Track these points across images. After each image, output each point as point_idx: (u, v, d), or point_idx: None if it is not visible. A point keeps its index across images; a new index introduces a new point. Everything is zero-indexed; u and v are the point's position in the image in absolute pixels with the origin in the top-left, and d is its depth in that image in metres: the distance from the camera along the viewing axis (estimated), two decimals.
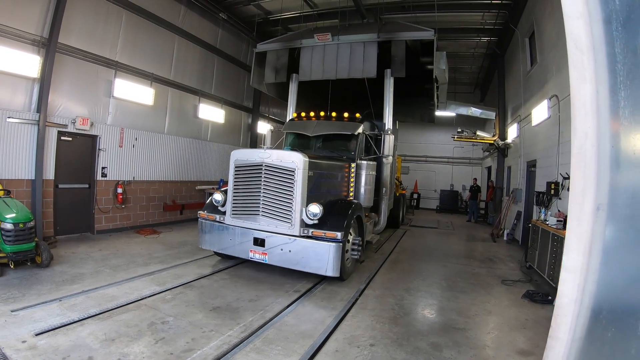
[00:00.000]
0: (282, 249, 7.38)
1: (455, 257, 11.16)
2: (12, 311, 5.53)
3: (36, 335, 4.91)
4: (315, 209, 7.15)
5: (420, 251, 11.82)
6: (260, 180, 7.59)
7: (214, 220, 8.23)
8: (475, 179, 22.17)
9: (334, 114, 10.34)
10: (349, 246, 7.72)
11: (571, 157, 1.95)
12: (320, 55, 10.98)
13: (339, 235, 7.08)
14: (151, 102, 12.49)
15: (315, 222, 7.22)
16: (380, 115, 10.92)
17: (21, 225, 7.03)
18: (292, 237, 7.31)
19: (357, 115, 10.15)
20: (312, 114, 10.65)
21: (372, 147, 10.41)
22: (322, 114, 10.46)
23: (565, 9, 1.85)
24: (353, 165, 9.33)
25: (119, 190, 11.52)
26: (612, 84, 1.72)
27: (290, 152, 7.93)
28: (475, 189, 20.84)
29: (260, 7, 15.06)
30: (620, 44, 1.67)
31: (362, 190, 9.36)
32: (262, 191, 7.59)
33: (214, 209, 8.37)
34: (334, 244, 7.06)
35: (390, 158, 10.53)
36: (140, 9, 11.74)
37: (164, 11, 12.61)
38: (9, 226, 6.90)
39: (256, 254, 7.61)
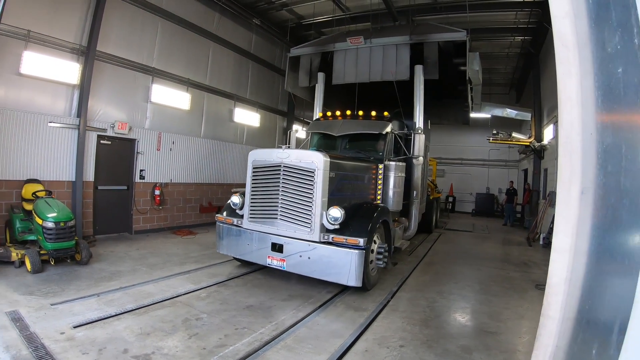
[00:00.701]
0: (300, 256, 6.86)
1: (490, 261, 10.86)
2: (51, 305, 5.70)
3: (74, 327, 5.05)
4: (336, 212, 6.59)
5: (454, 254, 11.57)
6: (279, 181, 7.16)
7: (232, 224, 7.87)
8: (512, 182, 21.61)
9: (360, 112, 9.82)
10: (373, 254, 7.13)
11: (558, 146, 2.08)
12: (353, 59, 10.92)
13: (361, 241, 6.45)
14: (187, 106, 12.77)
15: (337, 227, 6.63)
16: (410, 115, 10.28)
17: (62, 224, 7.25)
18: (312, 243, 6.77)
19: (386, 113, 9.63)
20: (337, 113, 10.20)
21: (402, 148, 9.60)
22: (348, 112, 10.00)
23: (552, 9, 1.99)
24: (381, 166, 8.80)
25: (157, 192, 11.81)
26: (595, 78, 1.87)
27: (310, 151, 7.43)
28: (511, 192, 20.25)
29: (292, 12, 15.20)
30: (601, 41, 1.85)
31: (391, 193, 8.81)
32: (280, 193, 7.15)
33: (231, 212, 8.04)
34: (356, 251, 6.45)
35: (421, 159, 9.65)
36: (175, 17, 12.03)
37: (198, 18, 12.88)
38: (50, 225, 7.13)
39: (274, 260, 7.16)
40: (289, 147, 7.39)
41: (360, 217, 7.06)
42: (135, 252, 9.29)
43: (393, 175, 8.85)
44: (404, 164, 9.35)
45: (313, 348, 4.95)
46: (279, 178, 7.14)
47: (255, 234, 7.42)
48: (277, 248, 7.10)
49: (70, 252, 7.52)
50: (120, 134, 10.76)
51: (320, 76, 11.87)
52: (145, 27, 11.28)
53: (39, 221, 7.16)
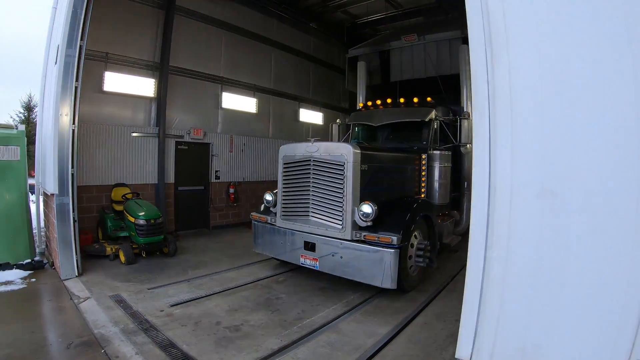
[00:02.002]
0: (333, 255, 6.38)
1: None
2: (148, 289, 6.44)
3: (171, 306, 5.73)
4: (367, 208, 5.99)
5: None
6: (309, 176, 6.71)
7: (266, 222, 7.61)
8: None
9: (401, 99, 8.97)
10: (412, 252, 6.44)
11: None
12: (409, 56, 10.99)
13: (394, 239, 5.81)
14: (255, 110, 13.46)
15: (369, 223, 6.04)
16: (457, 101, 9.40)
17: (152, 221, 8.04)
18: (344, 242, 6.25)
19: (429, 99, 8.65)
20: (378, 102, 9.42)
21: (449, 135, 8.57)
22: (388, 101, 9.20)
23: None
24: (424, 156, 7.98)
25: (231, 190, 12.55)
26: None
27: (339, 143, 7.03)
28: None
29: (347, 13, 15.48)
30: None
31: (436, 185, 8.00)
32: (311, 189, 6.70)
33: (266, 210, 7.79)
34: (389, 250, 5.83)
35: (470, 146, 8.33)
36: (237, 28, 12.68)
37: (258, 27, 13.45)
38: (142, 222, 7.92)
39: (307, 260, 6.75)
40: (318, 139, 6.84)
41: (395, 212, 6.39)
42: (215, 244, 10.00)
43: (438, 165, 8.04)
44: (450, 153, 8.40)
45: (379, 320, 5.39)
46: (309, 173, 6.72)
47: (289, 232, 7.09)
48: (310, 247, 6.71)
49: (159, 246, 8.33)
50: (196, 139, 11.57)
51: (361, 65, 11.62)
52: (210, 40, 12.01)
53: (132, 219, 7.99)
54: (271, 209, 7.57)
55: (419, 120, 8.35)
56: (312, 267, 6.66)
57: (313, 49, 16.35)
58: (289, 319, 5.38)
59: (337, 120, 10.23)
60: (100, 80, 9.41)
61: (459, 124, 8.37)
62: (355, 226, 6.14)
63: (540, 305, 2.18)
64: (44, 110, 8.97)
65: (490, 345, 2.12)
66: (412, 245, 6.37)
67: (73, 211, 7.02)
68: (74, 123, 7.05)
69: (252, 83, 13.41)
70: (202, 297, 6.16)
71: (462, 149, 8.72)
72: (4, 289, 6.40)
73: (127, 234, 8.35)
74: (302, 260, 6.81)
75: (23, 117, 40.57)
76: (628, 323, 1.89)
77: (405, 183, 7.62)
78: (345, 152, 6.26)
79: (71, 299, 6.02)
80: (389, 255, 5.81)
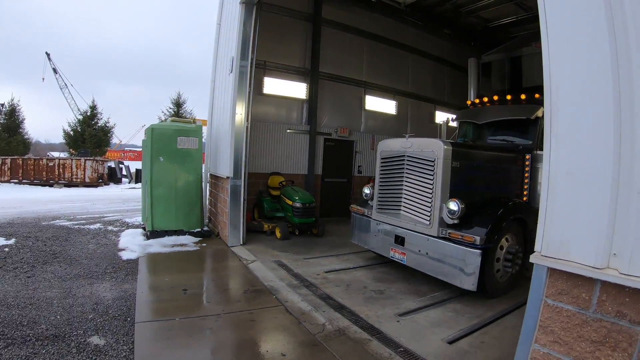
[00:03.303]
0: (419, 250, 6.31)
1: None
2: (304, 259, 7.71)
3: (326, 272, 6.85)
4: (454, 205, 5.80)
5: None
6: (403, 172, 6.74)
7: (363, 215, 7.74)
8: None
9: (508, 96, 8.58)
10: (500, 255, 6.07)
11: None
12: (540, 62, 10.95)
13: (477, 239, 5.53)
14: (394, 112, 14.36)
15: (456, 221, 5.85)
16: None
17: (307, 204, 9.35)
18: (430, 238, 6.15)
19: (537, 95, 7.98)
20: (485, 99, 9.10)
21: None
22: (495, 97, 8.92)
23: None
24: (528, 157, 7.43)
25: (371, 184, 13.46)
26: None
27: (431, 139, 6.64)
28: None
29: (478, 17, 15.61)
30: None
31: (539, 188, 6.73)
32: (404, 184, 6.71)
33: (364, 202, 7.91)
34: (472, 250, 5.58)
35: None
36: (376, 36, 13.60)
37: (396, 34, 14.21)
38: (298, 205, 9.24)
39: (396, 254, 6.75)
40: (412, 135, 6.83)
41: (484, 212, 6.03)
42: None
43: (542, 167, 7.21)
44: None
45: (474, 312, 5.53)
46: (403, 168, 6.75)
47: (382, 225, 7.16)
48: (400, 241, 6.70)
49: (310, 226, 9.58)
50: (342, 136, 12.84)
51: (472, 61, 11.69)
52: (353, 48, 13.13)
53: (289, 202, 9.34)
54: (369, 202, 7.67)
55: (524, 118, 7.81)
56: (400, 261, 6.69)
57: (447, 53, 16.64)
58: (422, 290, 6.17)
59: (447, 118, 10.19)
60: (260, 84, 10.99)
61: None
62: (443, 223, 6.00)
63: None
64: (213, 110, 10.77)
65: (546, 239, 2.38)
66: (501, 249, 6.06)
67: (244, 191, 8.56)
68: (247, 121, 8.62)
69: (392, 86, 14.25)
70: (350, 268, 7.21)
71: None
72: (182, 249, 8.19)
73: (283, 215, 9.77)
74: (391, 253, 6.85)
75: (173, 112, 45.33)
76: None
77: (505, 184, 7.18)
78: (435, 148, 6.20)
79: (240, 260, 7.46)
80: (470, 256, 5.58)
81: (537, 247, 2.23)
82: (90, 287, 5.84)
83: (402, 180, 6.73)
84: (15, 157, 27.32)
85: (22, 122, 44.60)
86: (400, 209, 6.75)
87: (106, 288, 5.80)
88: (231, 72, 8.70)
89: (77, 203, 16.68)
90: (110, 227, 10.59)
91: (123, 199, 19.41)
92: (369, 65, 13.54)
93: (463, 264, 5.63)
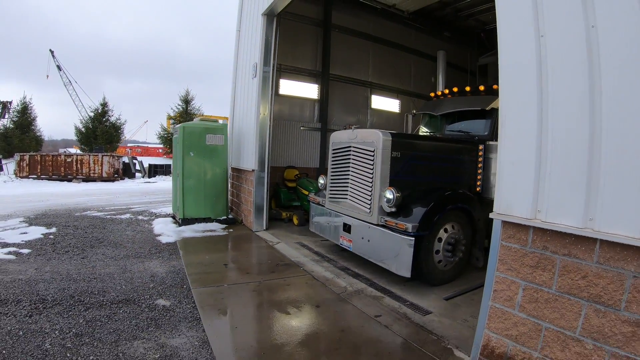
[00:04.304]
0: (362, 237, 6.49)
1: None
2: (321, 240, 8.67)
3: (340, 250, 7.85)
4: (389, 194, 5.93)
5: None
6: (349, 162, 6.91)
7: (318, 204, 8.01)
8: None
9: (467, 87, 8.45)
10: (440, 244, 6.10)
11: None
12: None
13: (409, 227, 5.59)
14: (398, 110, 15.36)
15: (393, 209, 5.97)
16: None
17: None
18: (371, 226, 6.29)
19: (495, 87, 7.52)
20: (446, 90, 8.95)
21: None
22: (455, 89, 8.75)
23: None
24: (481, 147, 7.35)
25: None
26: None
27: (371, 130, 6.67)
28: None
29: (477, 20, 16.38)
30: None
31: (492, 179, 7.15)
32: (350, 174, 6.89)
33: (320, 192, 8.23)
34: (405, 237, 5.63)
35: None
36: (381, 40, 14.55)
37: (399, 38, 15.16)
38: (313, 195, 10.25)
39: (344, 241, 6.94)
40: (358, 127, 6.96)
41: (421, 201, 6.03)
42: None
43: (496, 157, 6.61)
44: None
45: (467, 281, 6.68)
46: (349, 158, 6.92)
47: (333, 214, 7.38)
48: (347, 228, 6.90)
49: None
50: None
51: (440, 54, 11.87)
52: (360, 51, 14.10)
53: (305, 192, 10.41)
54: (323, 191, 7.94)
55: (478, 109, 7.71)
56: (348, 249, 6.88)
57: (448, 54, 17.58)
58: None
59: (413, 111, 10.07)
60: (277, 86, 11.98)
61: None
62: (382, 211, 6.14)
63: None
64: (235, 109, 11.92)
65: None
66: (439, 239, 6.09)
67: (267, 182, 9.72)
68: (270, 120, 9.78)
69: (395, 86, 15.23)
70: None
71: None
72: (212, 234, 9.34)
73: (299, 204, 10.91)
74: (341, 240, 7.07)
75: (181, 109, 46.79)
76: None
77: (456, 174, 7.12)
78: (375, 139, 6.30)
79: (266, 242, 8.60)
80: (404, 243, 5.65)
81: (495, 209, 3.35)
82: (142, 264, 6.83)
83: (349, 170, 6.92)
84: (34, 153, 28.45)
85: (34, 119, 45.89)
86: (347, 198, 6.96)
87: (156, 265, 6.81)
88: (255, 76, 9.77)
89: (100, 196, 17.77)
90: (140, 217, 11.61)
91: (142, 192, 20.47)
92: (374, 67, 14.54)
93: (397, 250, 5.74)
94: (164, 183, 26.91)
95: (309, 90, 12.95)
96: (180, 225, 9.77)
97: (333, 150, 7.46)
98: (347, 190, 6.96)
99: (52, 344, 3.91)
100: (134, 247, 8.01)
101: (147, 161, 35.01)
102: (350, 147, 6.89)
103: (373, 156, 6.28)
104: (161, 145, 55.88)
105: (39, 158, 26.60)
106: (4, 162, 33.26)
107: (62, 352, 3.78)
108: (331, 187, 7.46)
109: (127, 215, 11.89)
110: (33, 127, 45.58)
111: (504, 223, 3.31)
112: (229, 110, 12.29)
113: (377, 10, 13.62)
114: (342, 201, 7.12)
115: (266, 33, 9.56)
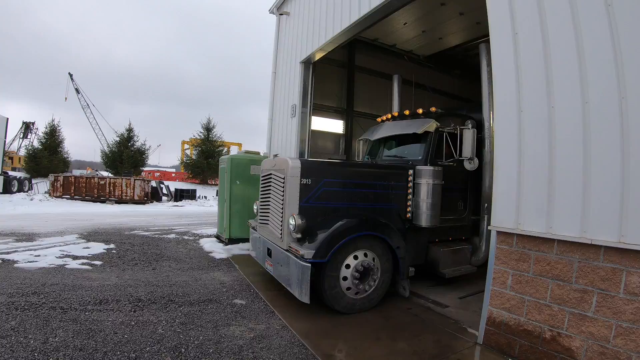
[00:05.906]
0: (278, 262, 6.55)
1: None
2: None
3: None
4: (292, 220, 5.98)
5: None
6: (270, 189, 7.04)
7: (253, 228, 8.13)
8: None
9: (406, 111, 8.25)
10: (348, 272, 6.02)
11: None
12: None
13: (305, 253, 5.67)
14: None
15: (298, 236, 5.97)
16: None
17: None
18: (282, 250, 6.37)
19: (433, 109, 7.69)
20: (388, 115, 8.78)
21: (452, 149, 7.45)
22: (395, 114, 8.62)
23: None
24: (411, 172, 7.06)
25: None
26: None
27: (284, 158, 6.66)
28: None
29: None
30: None
31: (423, 205, 6.85)
32: (270, 200, 7.02)
33: (254, 217, 8.37)
34: (303, 263, 5.67)
35: (477, 161, 7.38)
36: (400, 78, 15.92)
37: (415, 76, 15.80)
38: None
39: (268, 265, 7.02)
40: (277, 155, 6.97)
41: (323, 228, 6.00)
42: None
43: (426, 182, 6.82)
44: (440, 169, 6.96)
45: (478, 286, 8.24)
46: (270, 186, 7.05)
47: (260, 239, 7.50)
48: (269, 253, 6.97)
49: None
50: None
51: (395, 77, 11.53)
52: (379, 89, 15.29)
53: None
54: (257, 216, 7.92)
55: (411, 132, 7.58)
56: (270, 272, 6.95)
57: (457, 89, 18.65)
58: None
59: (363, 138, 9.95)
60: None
61: (458, 135, 7.48)
62: (291, 237, 6.09)
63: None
64: (272, 142, 13.36)
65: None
66: (347, 266, 6.05)
67: None
68: (307, 152, 11.23)
69: None
70: None
71: (465, 163, 7.44)
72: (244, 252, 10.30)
73: None
74: (266, 265, 7.15)
75: (204, 136, 48.96)
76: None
77: (380, 201, 6.89)
78: (285, 167, 6.34)
79: None
80: (300, 269, 5.70)
81: (492, 223, 4.98)
82: (208, 274, 7.94)
83: (270, 197, 7.06)
84: (68, 174, 30.00)
85: (61, 142, 47.95)
86: (268, 223, 7.08)
87: (220, 275, 7.97)
88: (294, 116, 11.27)
89: (140, 217, 18.86)
90: (185, 237, 12.72)
91: (176, 215, 21.44)
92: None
93: (298, 276, 5.76)
94: (192, 207, 28.04)
95: (336, 125, 14.30)
96: (226, 244, 11.09)
97: (261, 177, 7.62)
98: (268, 216, 7.15)
99: (164, 329, 5.03)
100: (193, 261, 9.13)
101: (171, 185, 36.48)
102: (270, 174, 7.05)
103: (284, 183, 6.36)
104: (173, 170, 57.21)
105: (72, 179, 28.05)
106: (33, 181, 35.07)
107: (175, 335, 4.89)
108: (260, 212, 7.66)
109: (173, 235, 12.98)
110: (60, 150, 47.64)
111: (498, 232, 4.95)
112: (266, 142, 13.73)
113: (395, 52, 14.99)
114: (266, 227, 7.28)
115: (304, 78, 11.04)
